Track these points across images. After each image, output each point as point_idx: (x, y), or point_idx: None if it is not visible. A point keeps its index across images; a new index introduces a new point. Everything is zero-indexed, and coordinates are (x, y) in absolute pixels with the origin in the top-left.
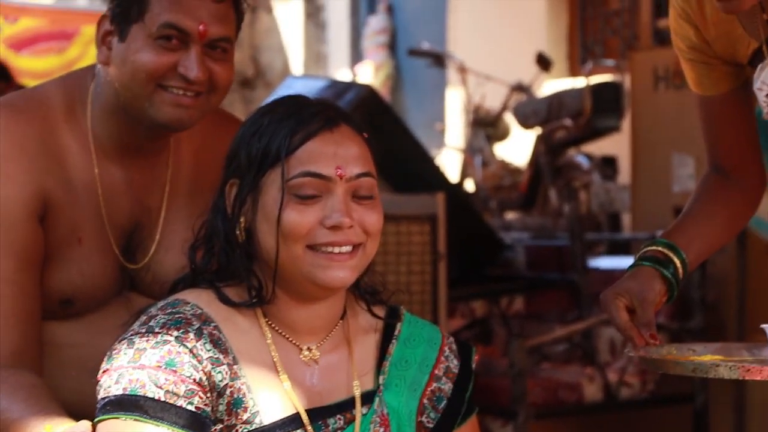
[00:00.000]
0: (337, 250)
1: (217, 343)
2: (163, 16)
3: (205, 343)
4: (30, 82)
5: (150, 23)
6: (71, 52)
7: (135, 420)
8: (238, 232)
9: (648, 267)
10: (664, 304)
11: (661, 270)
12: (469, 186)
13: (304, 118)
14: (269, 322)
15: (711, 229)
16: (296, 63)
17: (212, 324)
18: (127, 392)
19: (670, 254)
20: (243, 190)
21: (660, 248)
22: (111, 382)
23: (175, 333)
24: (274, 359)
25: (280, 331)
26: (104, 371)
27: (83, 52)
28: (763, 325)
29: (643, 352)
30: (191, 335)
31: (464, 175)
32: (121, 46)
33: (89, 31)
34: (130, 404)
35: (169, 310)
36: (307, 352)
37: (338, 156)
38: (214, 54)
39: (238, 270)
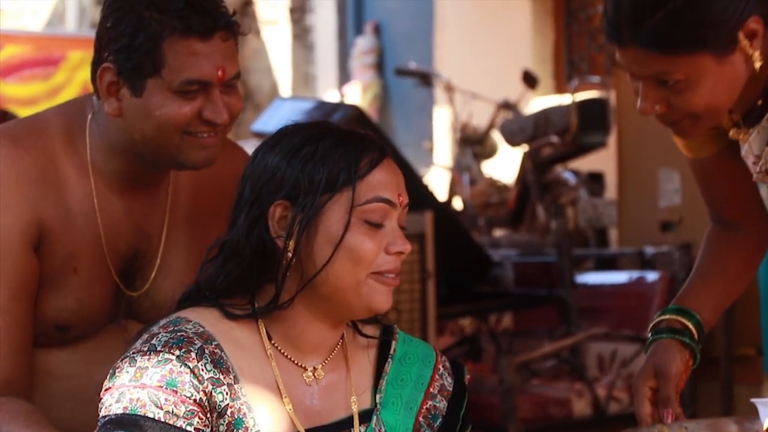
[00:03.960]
0: (392, 275)
1: (219, 363)
2: (184, 73)
3: (206, 363)
4: (16, 109)
5: (169, 78)
6: (57, 78)
7: None
8: (287, 253)
9: (666, 339)
10: (692, 368)
11: (679, 338)
12: (457, 204)
13: (364, 145)
14: (274, 343)
15: (723, 283)
16: (284, 84)
17: (214, 343)
18: (127, 411)
19: (683, 320)
20: (302, 211)
21: (673, 316)
22: (112, 401)
23: (177, 352)
24: (277, 379)
25: (283, 351)
26: (107, 389)
27: (69, 78)
28: (753, 400)
29: (631, 429)
30: (193, 355)
31: (452, 193)
32: (138, 101)
33: (75, 56)
34: (130, 423)
35: (171, 328)
36: (310, 373)
37: (398, 184)
38: (229, 90)
39: (254, 284)
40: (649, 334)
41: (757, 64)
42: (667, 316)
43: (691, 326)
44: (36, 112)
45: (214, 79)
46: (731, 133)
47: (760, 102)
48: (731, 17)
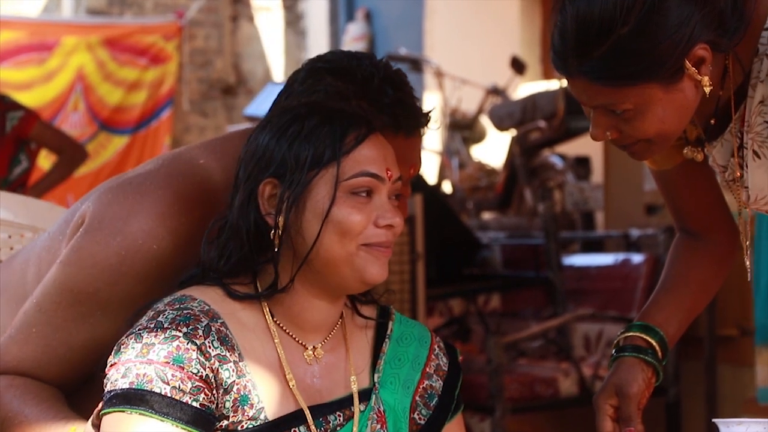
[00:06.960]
0: (385, 248)
1: (224, 340)
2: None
3: (213, 341)
4: (11, 93)
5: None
6: (51, 63)
7: (140, 414)
8: (277, 229)
9: (629, 357)
10: (655, 385)
11: (642, 357)
12: (447, 187)
13: (351, 122)
14: (276, 321)
15: (689, 296)
16: (277, 70)
17: (219, 320)
18: (133, 386)
19: (647, 337)
20: (289, 188)
21: (636, 333)
22: (118, 376)
23: (184, 329)
24: (280, 357)
25: (286, 329)
26: (112, 365)
27: (63, 63)
28: (715, 420)
29: None
30: (200, 332)
31: (442, 176)
32: None
33: (69, 41)
34: (136, 398)
35: (177, 306)
36: (311, 352)
37: (386, 159)
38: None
39: (255, 264)
40: (613, 351)
41: (707, 89)
42: (631, 333)
43: (654, 343)
44: (191, 152)
45: (405, 175)
46: (685, 151)
47: (713, 121)
48: (676, 47)
